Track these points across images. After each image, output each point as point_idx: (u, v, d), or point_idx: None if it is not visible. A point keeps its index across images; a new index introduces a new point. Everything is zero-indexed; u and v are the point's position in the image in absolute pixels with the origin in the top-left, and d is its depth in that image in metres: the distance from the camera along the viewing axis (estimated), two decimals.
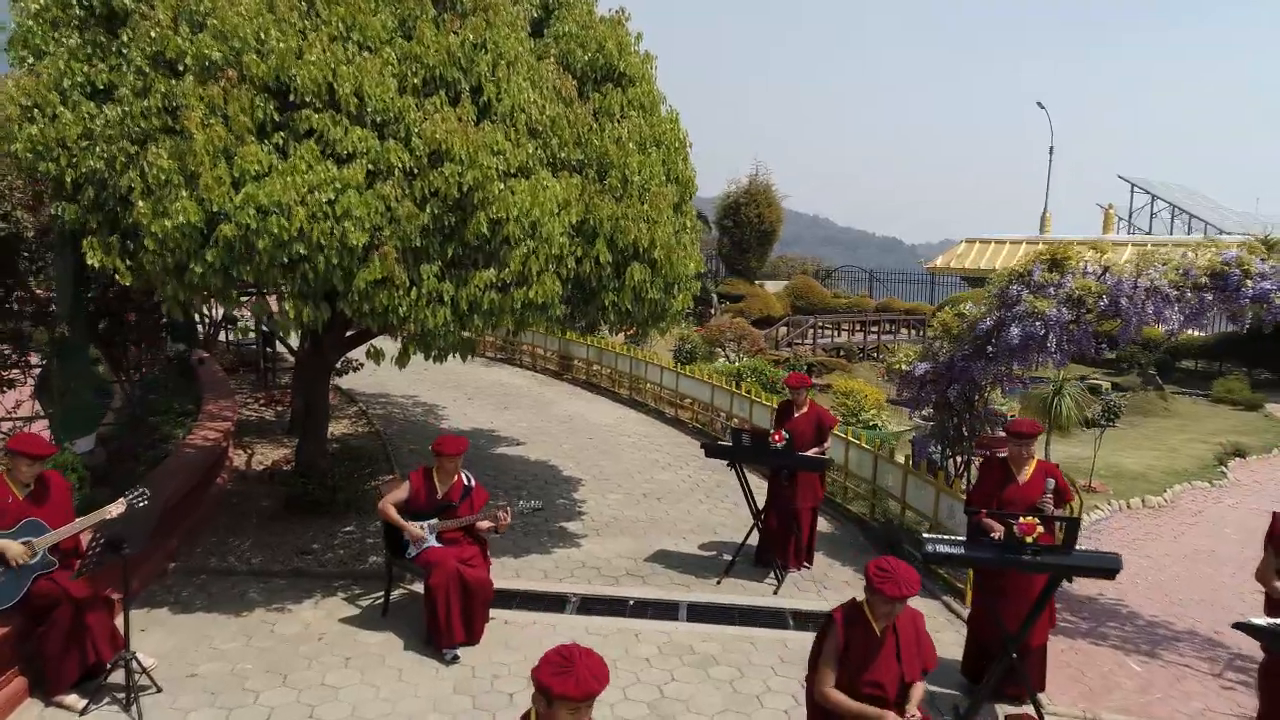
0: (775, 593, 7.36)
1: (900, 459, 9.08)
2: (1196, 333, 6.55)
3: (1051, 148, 38.73)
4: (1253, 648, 6.64)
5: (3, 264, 7.71)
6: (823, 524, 8.98)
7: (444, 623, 5.89)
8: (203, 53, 5.70)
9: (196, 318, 14.17)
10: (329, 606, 6.72)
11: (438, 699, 5.51)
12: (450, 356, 6.81)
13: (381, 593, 6.74)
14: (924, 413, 8.46)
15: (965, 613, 7.02)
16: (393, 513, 6.11)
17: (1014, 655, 5.12)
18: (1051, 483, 5.42)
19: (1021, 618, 5.32)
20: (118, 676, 5.17)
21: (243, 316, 11.73)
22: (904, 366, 8.01)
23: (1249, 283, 6.11)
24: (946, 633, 6.71)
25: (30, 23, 6.09)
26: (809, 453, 7.62)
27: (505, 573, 7.41)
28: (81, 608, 5.10)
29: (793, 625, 6.76)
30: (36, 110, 5.82)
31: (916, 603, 7.33)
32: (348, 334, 8.10)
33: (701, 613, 6.92)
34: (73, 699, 5.14)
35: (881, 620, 3.88)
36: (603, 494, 9.99)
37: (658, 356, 15.78)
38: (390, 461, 10.78)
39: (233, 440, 10.80)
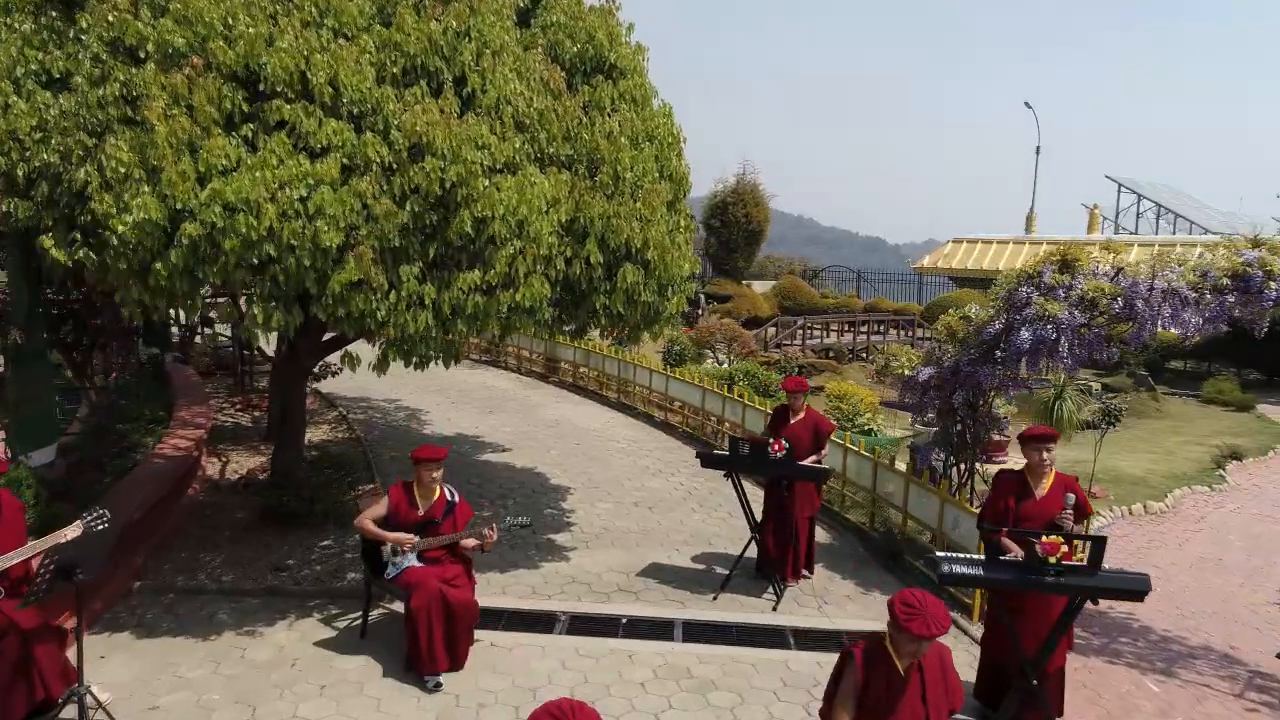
0: (774, 609, 7.04)
1: (899, 466, 8.79)
2: (1176, 331, 6.27)
3: (1039, 147, 38.69)
4: (1274, 666, 6.39)
5: None
6: (821, 534, 8.67)
7: (426, 648, 5.52)
8: (165, 39, 5.31)
9: (171, 318, 13.75)
10: (304, 628, 6.33)
11: None
12: (433, 362, 6.44)
13: (360, 613, 6.36)
14: (925, 417, 8.15)
15: (973, 628, 6.74)
16: (371, 526, 5.73)
17: (1034, 681, 4.82)
18: (1072, 498, 5.11)
19: (1040, 638, 5.02)
20: (70, 712, 4.77)
21: (217, 319, 11.30)
22: (906, 371, 7.70)
23: (1273, 285, 5.83)
24: (955, 652, 6.31)
25: None
26: (807, 461, 7.30)
27: (490, 589, 7.04)
28: (29, 639, 4.70)
29: (794, 645, 6.44)
30: None
31: None
32: (324, 338, 7.70)
33: (698, 631, 6.58)
34: None
35: (906, 658, 3.56)
36: (592, 503, 9.64)
37: (646, 359, 15.43)
38: (371, 469, 10.38)
39: (206, 448, 10.38)
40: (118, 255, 5.21)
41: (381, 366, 6.17)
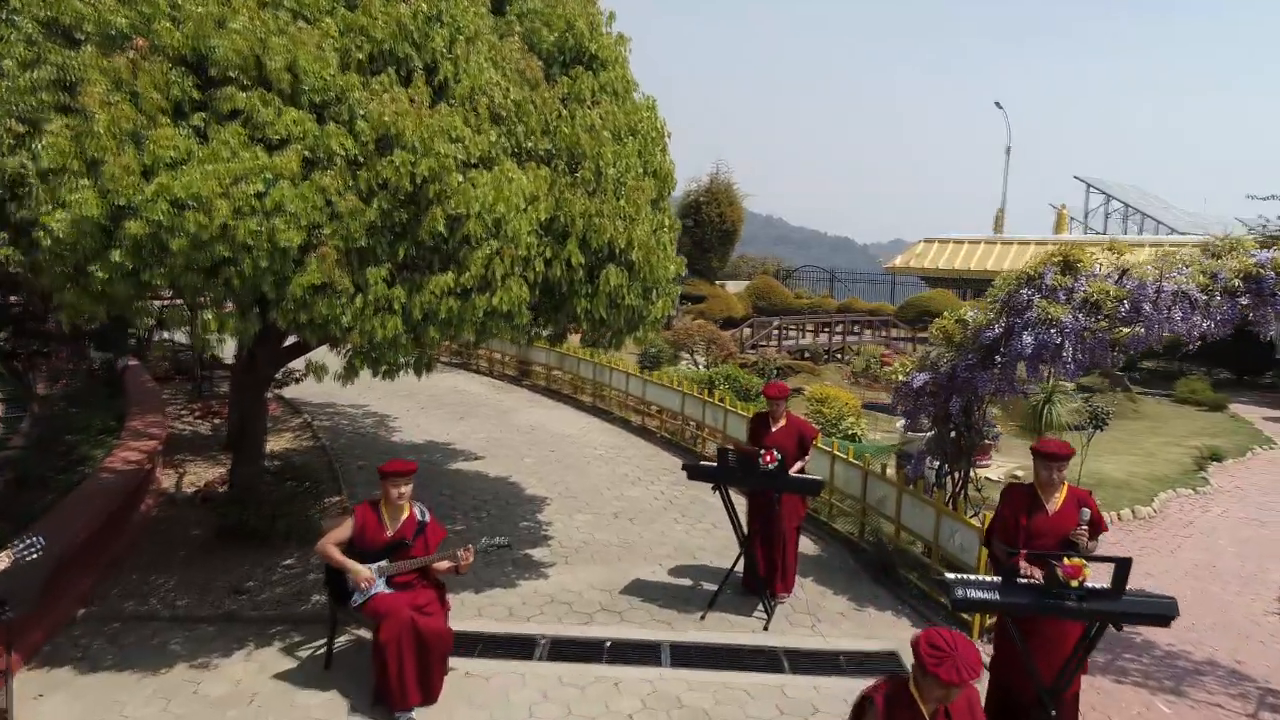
0: (765, 628, 6.69)
1: (878, 468, 8.48)
2: (1181, 334, 6.03)
3: (1009, 148, 38.90)
4: None
5: None
6: (808, 545, 8.36)
7: (396, 683, 5.10)
8: (106, 18, 4.85)
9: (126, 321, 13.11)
10: (263, 659, 5.87)
11: None
12: (404, 371, 6.01)
13: (324, 640, 5.91)
14: (919, 425, 7.85)
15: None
16: (334, 552, 5.29)
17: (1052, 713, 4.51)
18: (1087, 513, 4.81)
19: (1055, 664, 4.71)
20: None
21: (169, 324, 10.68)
22: (900, 377, 7.39)
23: None
24: None
25: None
26: (793, 469, 6.96)
27: (465, 612, 6.62)
28: None
29: (789, 668, 6.09)
30: None
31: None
32: (286, 345, 7.22)
33: (687, 655, 6.21)
34: None
35: (932, 704, 3.21)
36: (570, 514, 9.23)
37: (622, 362, 15.04)
38: (337, 480, 9.90)
39: (162, 459, 9.83)
40: (52, 256, 4.73)
41: (348, 376, 5.73)
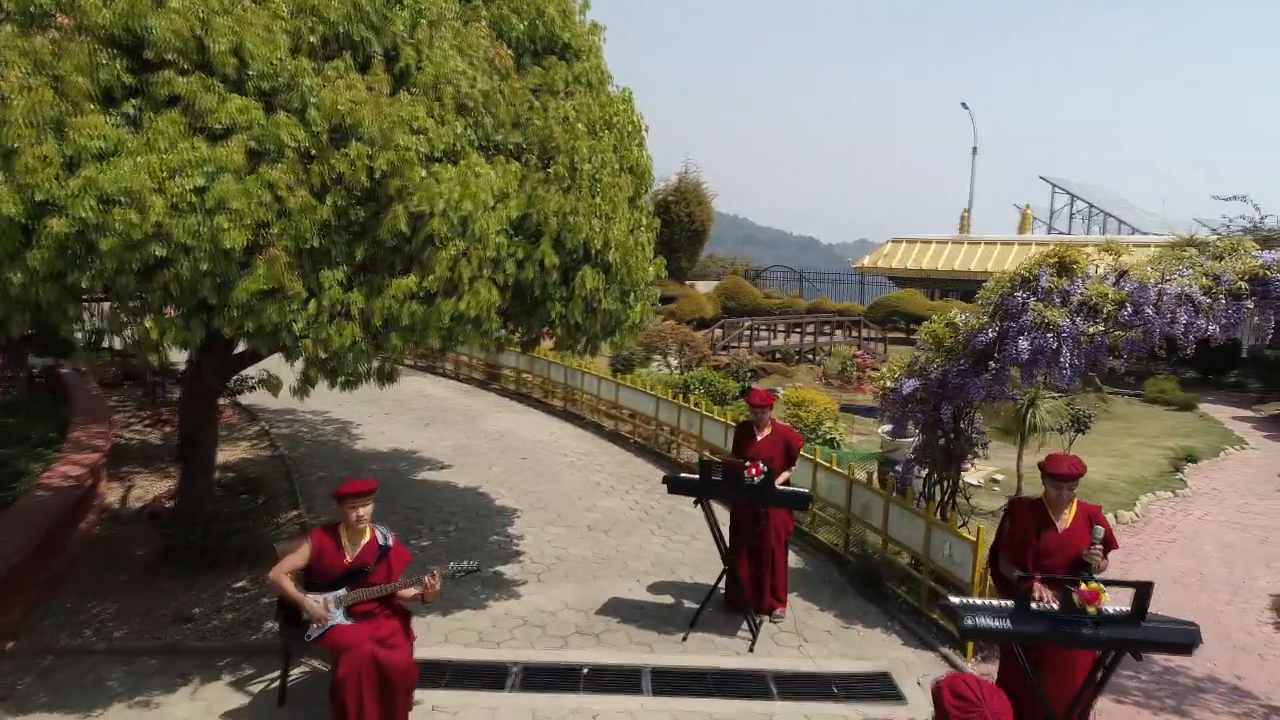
0: (751, 649, 6.34)
1: (863, 475, 8.19)
2: (1180, 339, 5.80)
3: (975, 148, 39.09)
4: None
5: None
6: (791, 557, 8.00)
7: None
8: None
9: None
10: (211, 696, 5.40)
11: None
12: (365, 382, 5.58)
13: (278, 673, 5.45)
14: (906, 432, 7.56)
15: (968, 666, 6.14)
16: (288, 585, 4.84)
17: None
18: (1100, 531, 4.52)
19: (1066, 692, 4.43)
20: None
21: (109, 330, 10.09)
22: (889, 383, 7.08)
23: None
24: None
25: None
26: (779, 479, 6.62)
27: (431, 637, 6.20)
28: None
29: (777, 693, 5.74)
30: None
31: (909, 656, 6.49)
32: (236, 353, 6.74)
33: (669, 681, 5.84)
34: None
35: None
36: (542, 527, 8.82)
37: (594, 365, 14.64)
38: (295, 493, 9.39)
39: (107, 472, 9.26)
40: None
41: (302, 389, 5.27)
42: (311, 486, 9.73)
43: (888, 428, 9.14)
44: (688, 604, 7.01)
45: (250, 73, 4.59)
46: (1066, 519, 4.65)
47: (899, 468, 9.21)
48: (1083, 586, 3.98)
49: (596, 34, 6.77)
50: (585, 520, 9.09)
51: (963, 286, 32.34)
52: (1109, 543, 4.58)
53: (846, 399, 16.90)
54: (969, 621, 4.06)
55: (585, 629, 6.55)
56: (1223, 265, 5.70)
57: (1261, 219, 21.17)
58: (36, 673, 5.59)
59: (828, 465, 8.37)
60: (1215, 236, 20.54)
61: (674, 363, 16.99)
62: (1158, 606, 4.16)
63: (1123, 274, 5.99)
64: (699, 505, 6.59)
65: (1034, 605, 4.11)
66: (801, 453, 8.26)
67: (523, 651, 6.15)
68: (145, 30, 4.41)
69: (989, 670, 6.10)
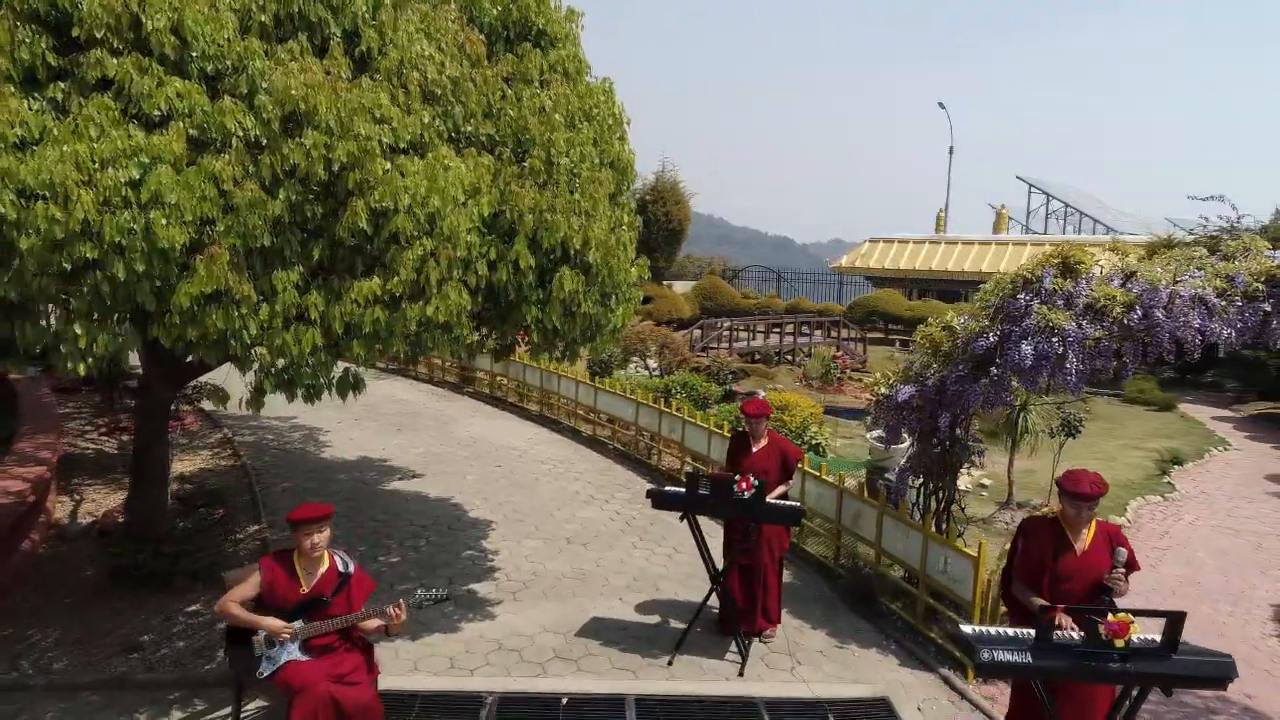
0: (740, 672, 5.97)
1: (852, 484, 7.86)
2: (1186, 343, 5.54)
3: (951, 148, 39.07)
4: None
5: None
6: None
7: None
8: None
9: None
10: None
11: None
12: (327, 394, 5.14)
13: (229, 710, 5.00)
14: (874, 433, 7.23)
15: (970, 689, 5.81)
16: (239, 610, 4.40)
17: None
18: (1123, 553, 4.20)
19: None
20: None
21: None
22: (883, 390, 6.74)
23: None
24: (959, 717, 5.48)
25: None
26: (774, 494, 6.27)
27: (399, 665, 5.78)
28: None
29: None
30: None
31: (907, 678, 6.15)
32: (188, 360, 6.26)
33: (654, 711, 5.44)
34: None
35: None
36: (518, 540, 8.40)
37: (571, 368, 14.21)
38: (257, 505, 8.89)
39: (56, 484, 8.73)
40: None
41: (255, 402, 4.84)
42: (275, 498, 9.24)
43: (877, 433, 8.82)
44: (673, 623, 6.64)
45: (193, 54, 4.18)
46: (1085, 540, 4.32)
47: (889, 475, 8.93)
48: (1110, 617, 3.65)
49: (574, 20, 6.38)
50: (564, 532, 8.68)
51: (941, 286, 32.26)
52: (1131, 565, 4.26)
53: (828, 401, 16.61)
54: (985, 656, 3.71)
55: (564, 653, 6.15)
56: (1236, 266, 5.42)
57: (1239, 219, 21.17)
58: None
59: (817, 474, 8.02)
60: (1194, 236, 20.54)
61: (653, 365, 16.61)
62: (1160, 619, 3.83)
63: (1130, 275, 5.69)
64: (685, 520, 6.22)
65: (1057, 635, 3.77)
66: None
67: (497, 680, 5.74)
68: (73, 5, 3.98)
69: (992, 693, 5.79)
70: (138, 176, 3.88)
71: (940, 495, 7.03)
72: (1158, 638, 3.76)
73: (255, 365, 4.65)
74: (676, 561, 7.99)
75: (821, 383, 19.37)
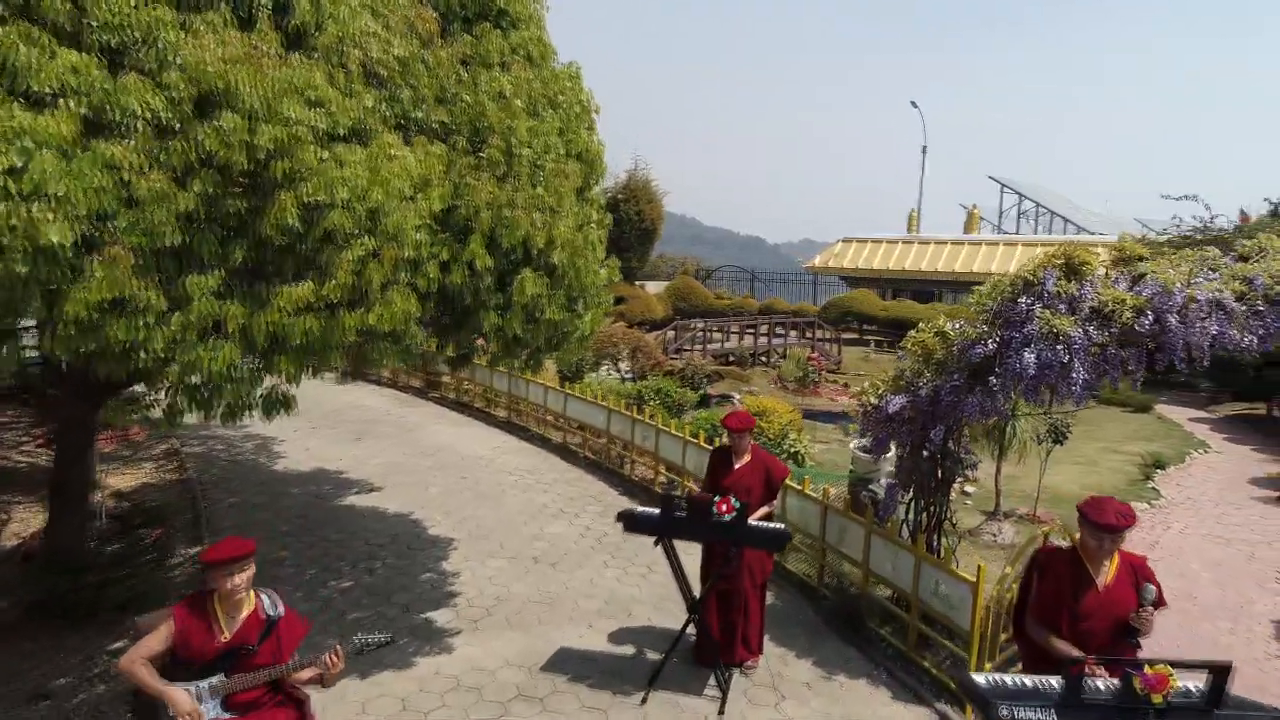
0: (721, 711, 5.48)
1: (844, 504, 7.41)
2: (1195, 350, 5.17)
3: (924, 147, 38.97)
4: None
5: None
6: None
7: None
8: None
9: None
10: None
11: None
12: (249, 414, 4.57)
13: None
14: (858, 443, 6.78)
15: None
16: (143, 673, 3.80)
17: None
18: (1152, 591, 3.77)
19: None
20: None
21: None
22: (872, 400, 6.29)
23: None
24: None
25: None
26: (758, 515, 5.78)
27: (344, 709, 5.22)
28: None
29: None
30: None
31: (901, 714, 5.71)
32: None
33: None
34: None
35: None
36: (482, 560, 7.86)
37: (540, 372, 13.68)
38: (200, 525, 8.27)
39: None
40: None
41: (169, 421, 4.26)
42: (220, 515, 8.63)
43: (861, 442, 8.38)
44: (648, 653, 6.14)
45: (91, 22, 3.59)
46: (1108, 574, 3.89)
47: (873, 487, 8.50)
48: (1147, 670, 3.20)
49: (538, 1, 5.86)
50: (531, 551, 8.15)
51: (915, 286, 32.10)
52: (1158, 603, 3.83)
53: (804, 403, 16.22)
54: (1005, 713, 3.25)
55: (528, 691, 5.62)
56: (1254, 267, 5.03)
57: (1212, 219, 21.09)
58: None
59: (799, 488, 7.55)
60: (1166, 236, 20.41)
61: (625, 368, 16.10)
62: (1160, 639, 3.41)
63: (1139, 277, 5.27)
64: (660, 545, 5.72)
65: (1088, 689, 3.32)
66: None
67: None
68: None
69: None
70: (19, 164, 3.30)
71: (931, 511, 6.59)
72: (1196, 686, 3.35)
73: (167, 383, 4.08)
74: (651, 582, 7.49)
75: (798, 385, 19.00)
